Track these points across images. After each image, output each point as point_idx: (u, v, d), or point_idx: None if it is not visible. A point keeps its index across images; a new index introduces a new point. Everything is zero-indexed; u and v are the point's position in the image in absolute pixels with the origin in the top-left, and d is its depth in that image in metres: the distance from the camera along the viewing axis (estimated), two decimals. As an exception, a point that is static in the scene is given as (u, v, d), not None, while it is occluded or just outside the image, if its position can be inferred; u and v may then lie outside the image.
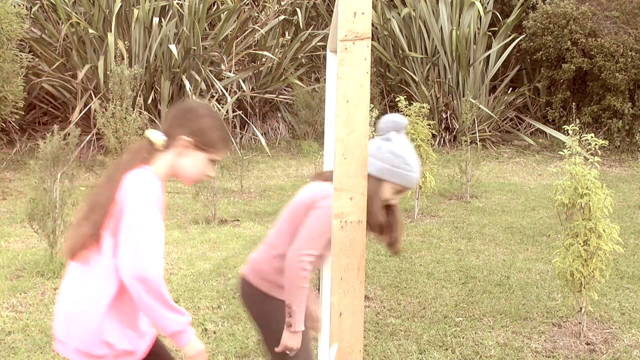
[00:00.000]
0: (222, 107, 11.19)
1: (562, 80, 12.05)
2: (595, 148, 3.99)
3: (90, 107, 10.32)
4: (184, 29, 10.95)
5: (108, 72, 9.28)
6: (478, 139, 10.65)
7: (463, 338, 4.08)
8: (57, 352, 2.12)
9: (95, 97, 10.26)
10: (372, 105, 6.60)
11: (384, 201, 2.54)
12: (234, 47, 12.02)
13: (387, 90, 13.02)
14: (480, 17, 12.36)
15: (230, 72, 11.90)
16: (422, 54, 12.50)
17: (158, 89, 11.02)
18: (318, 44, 13.19)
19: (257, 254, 2.66)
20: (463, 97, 11.62)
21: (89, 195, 2.17)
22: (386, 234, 2.63)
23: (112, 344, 2.03)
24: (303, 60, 13.33)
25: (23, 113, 9.83)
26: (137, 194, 2.01)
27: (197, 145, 2.14)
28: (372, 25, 12.25)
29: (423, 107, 7.07)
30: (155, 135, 2.14)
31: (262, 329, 2.62)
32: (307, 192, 2.57)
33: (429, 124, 7.17)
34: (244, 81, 12.20)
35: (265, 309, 2.59)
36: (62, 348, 2.08)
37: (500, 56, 12.37)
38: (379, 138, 2.56)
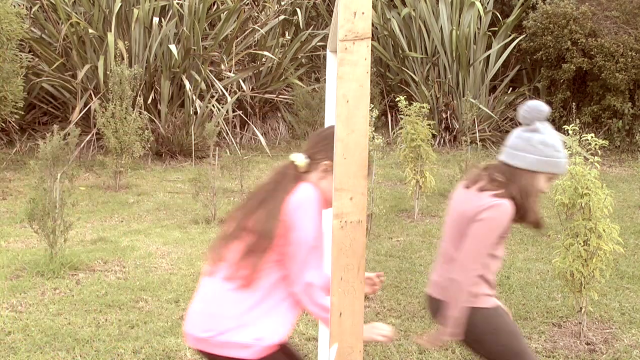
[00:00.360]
0: (222, 107, 11.19)
1: (562, 80, 12.05)
2: (595, 148, 3.99)
3: (90, 107, 10.33)
4: (184, 29, 10.95)
5: (108, 72, 9.28)
6: (478, 139, 10.65)
7: (463, 338, 4.08)
8: (196, 349, 2.21)
9: (95, 97, 10.27)
10: (372, 105, 6.60)
11: (540, 192, 2.52)
12: (234, 47, 12.02)
13: (387, 90, 13.02)
14: (480, 17, 12.36)
15: (230, 72, 11.90)
16: (422, 54, 12.50)
17: (158, 89, 11.03)
18: (318, 44, 13.19)
19: (436, 271, 2.67)
20: (463, 97, 11.62)
21: (243, 215, 2.21)
22: (530, 219, 2.60)
23: (262, 338, 2.14)
24: (303, 60, 13.33)
25: (23, 113, 9.83)
26: (306, 212, 2.13)
27: None
28: (372, 25, 12.25)
29: (423, 107, 7.07)
30: (300, 159, 2.27)
31: (474, 344, 2.58)
32: (467, 204, 2.54)
33: (429, 124, 7.17)
34: (244, 81, 12.20)
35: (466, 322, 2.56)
36: (203, 345, 2.17)
37: (500, 56, 12.37)
38: (524, 129, 2.54)
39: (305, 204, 2.15)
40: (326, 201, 2.29)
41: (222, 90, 11.26)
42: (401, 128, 7.26)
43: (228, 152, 10.37)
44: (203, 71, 11.02)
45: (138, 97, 9.96)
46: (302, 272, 2.13)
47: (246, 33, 12.65)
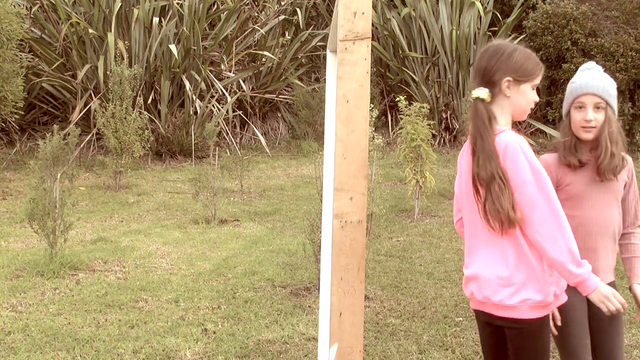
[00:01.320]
0: (222, 107, 11.19)
1: (562, 80, 12.04)
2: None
3: (90, 107, 10.33)
4: (184, 29, 10.95)
5: (108, 72, 9.29)
6: (478, 139, 10.61)
7: (463, 338, 4.08)
8: (480, 310, 2.32)
9: (95, 97, 10.27)
10: (372, 105, 6.59)
11: (579, 127, 2.50)
12: (234, 47, 12.02)
13: (387, 90, 13.02)
14: (480, 17, 12.36)
15: (230, 72, 11.90)
16: (422, 54, 12.50)
17: (158, 89, 11.03)
18: (318, 44, 13.19)
19: None
20: (463, 97, 11.60)
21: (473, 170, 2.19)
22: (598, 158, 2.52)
23: (528, 297, 2.18)
24: (303, 60, 13.33)
25: (23, 113, 9.83)
26: (518, 163, 2.11)
27: (518, 80, 2.23)
28: (372, 25, 12.25)
29: (423, 107, 7.07)
30: (482, 92, 2.23)
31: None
32: None
33: (429, 124, 7.17)
34: (244, 81, 12.20)
35: None
36: (512, 312, 2.24)
37: (500, 56, 12.36)
38: None
39: (512, 151, 2.13)
40: (522, 112, 2.29)
41: (222, 90, 11.26)
42: (401, 128, 7.26)
43: (228, 152, 10.37)
44: (203, 71, 11.02)
45: (138, 97, 9.97)
46: (532, 222, 2.11)
47: (246, 33, 12.65)
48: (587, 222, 2.51)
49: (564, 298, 2.29)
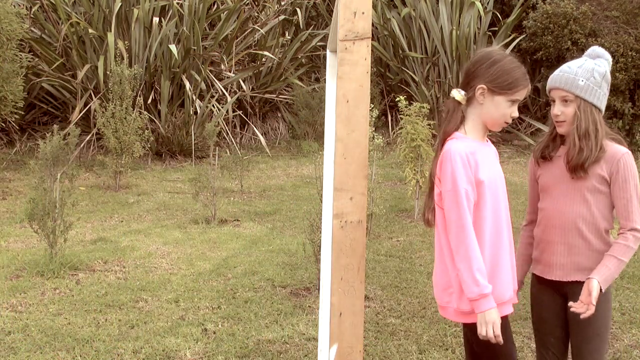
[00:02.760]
0: (222, 107, 11.19)
1: (562, 80, 12.04)
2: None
3: (90, 107, 10.33)
4: (184, 29, 10.95)
5: (108, 72, 9.29)
6: (478, 139, 10.61)
7: (463, 338, 4.08)
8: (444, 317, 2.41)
9: (95, 97, 10.27)
10: (372, 105, 6.59)
11: (555, 122, 2.56)
12: (234, 47, 12.02)
13: (387, 90, 13.02)
14: (480, 17, 12.35)
15: (230, 72, 11.90)
16: (422, 54, 12.50)
17: (158, 89, 11.02)
18: (318, 44, 13.19)
19: None
20: (463, 97, 11.60)
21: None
22: None
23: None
24: (303, 60, 13.33)
25: (23, 113, 9.83)
26: (445, 173, 2.22)
27: (492, 90, 2.25)
28: (372, 25, 12.25)
29: (423, 107, 7.07)
30: (457, 93, 2.31)
31: None
32: None
33: (429, 124, 7.17)
34: (244, 81, 12.20)
35: None
36: (444, 312, 2.36)
37: (500, 56, 12.35)
38: None
39: (445, 160, 2.21)
40: (494, 123, 2.33)
41: (222, 90, 11.26)
42: (401, 128, 7.26)
43: (228, 152, 10.37)
44: (203, 71, 11.01)
45: (138, 97, 9.96)
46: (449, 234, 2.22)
47: (246, 33, 12.65)
48: (549, 214, 2.54)
49: (506, 310, 2.29)
